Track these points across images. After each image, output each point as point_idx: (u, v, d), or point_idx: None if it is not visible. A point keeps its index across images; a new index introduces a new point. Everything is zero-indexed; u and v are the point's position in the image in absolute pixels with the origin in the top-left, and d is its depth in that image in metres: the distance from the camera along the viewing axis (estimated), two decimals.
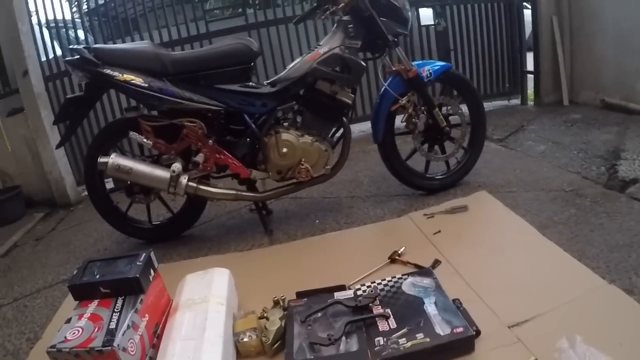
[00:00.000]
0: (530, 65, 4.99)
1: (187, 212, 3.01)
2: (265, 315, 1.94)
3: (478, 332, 1.72)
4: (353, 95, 2.74)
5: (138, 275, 1.82)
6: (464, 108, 3.09)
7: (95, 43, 4.35)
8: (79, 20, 4.85)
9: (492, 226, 2.56)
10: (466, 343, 1.67)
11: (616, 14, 4.05)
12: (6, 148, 4.17)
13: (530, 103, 5.00)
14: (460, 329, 1.68)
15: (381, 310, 1.85)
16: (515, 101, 5.06)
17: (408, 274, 2.07)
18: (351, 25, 2.68)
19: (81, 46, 2.61)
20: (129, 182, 2.76)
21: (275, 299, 2.02)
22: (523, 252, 2.23)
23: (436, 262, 2.19)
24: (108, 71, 2.55)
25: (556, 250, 2.18)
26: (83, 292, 1.85)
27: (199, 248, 2.88)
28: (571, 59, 4.68)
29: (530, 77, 4.99)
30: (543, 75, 4.81)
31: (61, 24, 4.55)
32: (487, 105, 4.57)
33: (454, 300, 1.85)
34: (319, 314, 1.89)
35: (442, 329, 1.70)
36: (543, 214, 2.58)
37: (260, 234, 2.89)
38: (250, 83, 2.71)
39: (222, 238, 2.96)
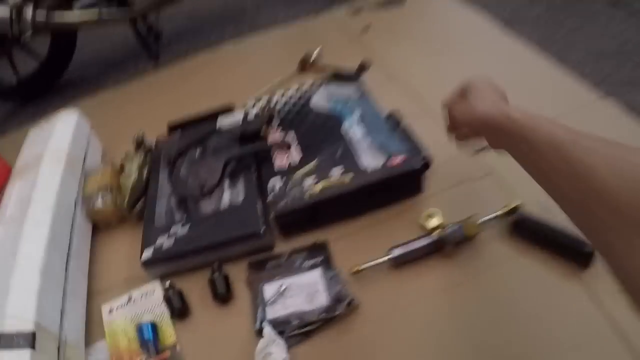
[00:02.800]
0: None
1: (56, 55, 2.39)
2: (123, 164, 1.35)
3: (427, 164, 1.09)
4: None
5: None
6: None
7: None
8: None
9: (440, 22, 1.88)
10: (411, 179, 1.08)
11: None
12: None
13: None
14: (400, 158, 1.07)
15: (279, 137, 1.25)
16: None
17: (321, 82, 1.44)
18: None
19: None
20: None
21: (137, 137, 1.43)
22: (484, 51, 1.60)
23: (364, 65, 1.54)
24: None
25: (528, 52, 1.57)
26: None
27: (75, 95, 2.28)
28: None
29: None
30: None
31: None
32: None
33: (388, 116, 1.25)
34: (196, 152, 1.31)
35: (371, 159, 1.10)
36: (505, 9, 1.96)
37: (145, 62, 2.31)
38: None
39: (100, 77, 2.38)
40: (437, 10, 1.99)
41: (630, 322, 0.80)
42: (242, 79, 1.80)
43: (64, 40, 2.34)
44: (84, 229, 1.26)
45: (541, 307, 0.86)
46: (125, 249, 1.24)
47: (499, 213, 0.99)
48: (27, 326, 0.90)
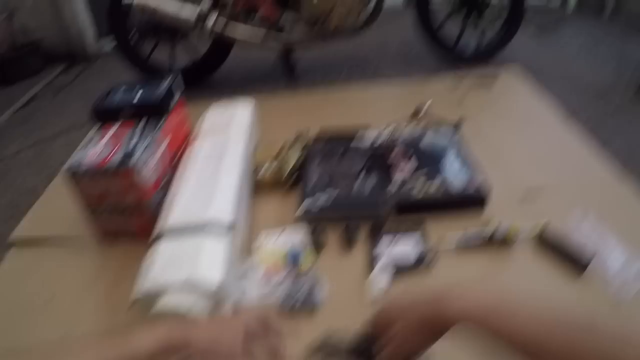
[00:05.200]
0: None
1: (211, 57, 2.96)
2: (286, 147, 1.94)
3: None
4: None
5: (163, 95, 1.80)
6: None
7: None
8: None
9: (518, 101, 2.50)
10: (481, 198, 1.67)
11: None
12: (26, 1, 4.01)
13: (572, 6, 4.81)
14: (477, 184, 1.68)
15: (401, 154, 1.85)
16: (556, 3, 4.87)
17: (431, 126, 2.07)
18: None
19: None
20: (153, 24, 2.72)
21: (298, 133, 2.02)
22: (546, 130, 2.19)
23: (460, 122, 2.14)
24: None
25: (579, 137, 2.12)
26: (106, 116, 1.80)
27: (222, 92, 2.87)
28: None
29: None
30: None
31: None
32: None
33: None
34: (339, 153, 1.91)
35: (459, 181, 1.70)
36: (569, 105, 2.50)
37: (284, 83, 2.88)
38: None
39: (244, 85, 2.98)
40: (519, 93, 2.58)
41: None
42: (369, 114, 2.37)
43: (223, 46, 2.90)
44: (251, 183, 1.85)
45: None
46: (277, 205, 1.80)
47: (532, 228, 1.55)
48: (228, 218, 1.45)
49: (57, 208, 1.91)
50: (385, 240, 1.57)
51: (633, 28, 3.96)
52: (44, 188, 2.13)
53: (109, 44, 3.36)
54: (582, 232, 1.51)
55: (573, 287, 1.41)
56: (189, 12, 2.55)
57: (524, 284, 1.44)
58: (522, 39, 3.42)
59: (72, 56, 4.11)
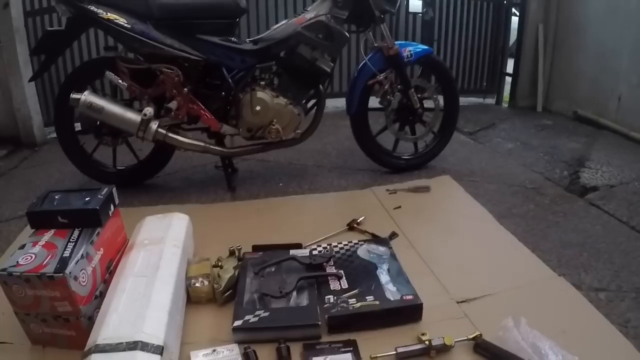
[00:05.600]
0: (510, 68, 5.06)
1: (153, 161, 2.97)
2: (219, 263, 1.95)
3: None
4: (332, 65, 2.76)
5: (97, 208, 1.79)
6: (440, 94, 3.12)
7: None
8: None
9: (451, 209, 2.62)
10: (414, 311, 1.71)
11: (600, 32, 4.10)
12: None
13: (505, 105, 5.06)
14: (409, 297, 1.73)
15: (334, 270, 1.89)
16: (490, 101, 5.12)
17: (364, 241, 2.13)
18: None
19: None
20: (97, 123, 2.73)
21: (232, 248, 2.03)
22: (479, 235, 2.30)
23: (393, 235, 2.22)
24: (93, 8, 2.49)
25: (511, 238, 2.25)
26: (41, 221, 1.81)
27: (160, 196, 2.87)
28: (550, 68, 4.74)
29: (508, 79, 5.05)
30: (521, 79, 4.87)
31: None
32: (463, 101, 4.57)
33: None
34: (273, 268, 1.92)
35: (392, 295, 1.75)
36: (503, 205, 2.65)
37: (223, 190, 2.90)
38: (232, 38, 2.70)
39: (184, 190, 2.95)
40: (452, 200, 2.69)
41: None
42: (304, 225, 2.42)
43: (165, 150, 2.92)
44: (184, 297, 1.84)
45: None
46: (210, 321, 1.79)
47: (467, 337, 1.59)
48: (158, 341, 1.42)
49: None
50: (318, 359, 1.56)
51: (561, 125, 4.18)
52: None
53: (54, 132, 3.31)
54: (516, 338, 1.55)
55: None
56: (133, 115, 2.60)
57: None
58: (459, 138, 3.58)
59: (17, 141, 4.03)
